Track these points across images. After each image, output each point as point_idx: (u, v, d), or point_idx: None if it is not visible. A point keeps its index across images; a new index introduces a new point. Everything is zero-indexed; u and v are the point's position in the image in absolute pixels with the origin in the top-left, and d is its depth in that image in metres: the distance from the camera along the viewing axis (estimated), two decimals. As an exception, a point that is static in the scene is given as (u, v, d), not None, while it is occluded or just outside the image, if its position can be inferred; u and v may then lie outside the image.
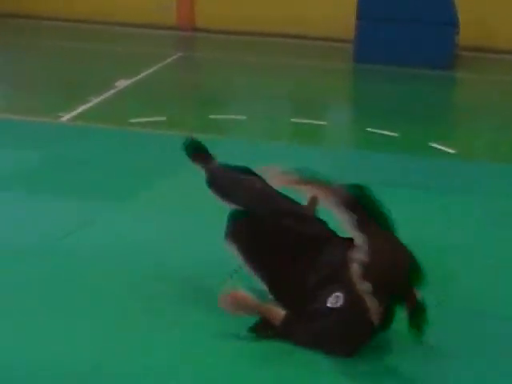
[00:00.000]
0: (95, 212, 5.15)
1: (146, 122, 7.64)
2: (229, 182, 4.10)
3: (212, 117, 8.10)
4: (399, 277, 3.34)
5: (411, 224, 4.43)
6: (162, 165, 6.18)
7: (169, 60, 11.38)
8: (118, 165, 6.22)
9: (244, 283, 3.81)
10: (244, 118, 8.03)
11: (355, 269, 3.40)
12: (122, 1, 14.18)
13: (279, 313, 3.61)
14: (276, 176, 3.95)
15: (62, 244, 4.64)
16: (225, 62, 11.53)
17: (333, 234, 3.86)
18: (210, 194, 4.11)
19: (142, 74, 10.04)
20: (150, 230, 4.85)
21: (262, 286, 3.82)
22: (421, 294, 3.38)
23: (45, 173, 6.04)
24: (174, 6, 14.11)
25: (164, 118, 7.84)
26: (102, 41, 12.91)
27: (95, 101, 8.48)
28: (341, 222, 3.68)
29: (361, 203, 3.65)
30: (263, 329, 3.62)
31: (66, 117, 7.79)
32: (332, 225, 3.90)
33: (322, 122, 8.17)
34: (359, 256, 3.40)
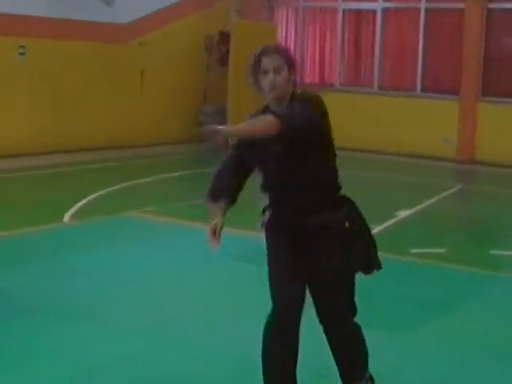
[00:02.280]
0: (379, 342, 5.02)
1: (426, 253, 7.73)
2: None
3: (493, 252, 7.98)
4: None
5: None
6: (440, 299, 6.23)
7: (449, 191, 11.55)
8: (396, 295, 6.34)
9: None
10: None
11: None
12: (410, 136, 14.77)
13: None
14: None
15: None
16: (505, 197, 11.47)
17: None
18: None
19: (423, 204, 10.20)
20: (424, 366, 4.89)
21: None
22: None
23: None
24: (455, 140, 14.51)
25: (444, 251, 7.87)
26: (389, 171, 13.32)
27: (376, 229, 8.24)
28: None
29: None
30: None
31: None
32: None
33: None
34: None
